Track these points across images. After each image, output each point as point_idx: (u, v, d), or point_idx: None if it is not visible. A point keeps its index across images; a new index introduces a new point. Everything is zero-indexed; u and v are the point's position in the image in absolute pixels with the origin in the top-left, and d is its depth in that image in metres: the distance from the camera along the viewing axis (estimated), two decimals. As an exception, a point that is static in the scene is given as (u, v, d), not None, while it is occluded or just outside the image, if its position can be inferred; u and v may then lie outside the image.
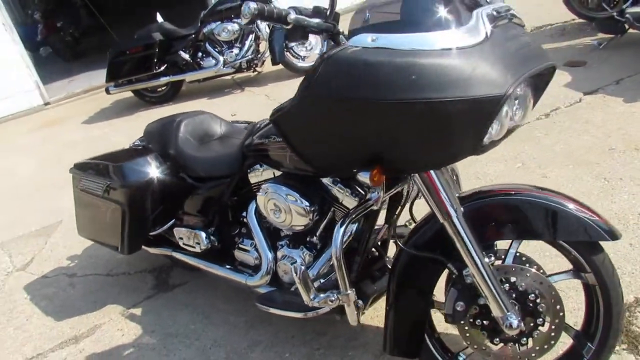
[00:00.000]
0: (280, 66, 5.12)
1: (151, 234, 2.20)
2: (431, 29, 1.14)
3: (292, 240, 1.78)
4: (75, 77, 7.22)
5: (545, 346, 1.41)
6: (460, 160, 1.40)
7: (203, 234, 1.98)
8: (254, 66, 5.09)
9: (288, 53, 5.02)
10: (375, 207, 1.49)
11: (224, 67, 4.99)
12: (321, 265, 1.67)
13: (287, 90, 4.86)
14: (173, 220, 2.15)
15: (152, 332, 2.18)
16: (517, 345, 1.42)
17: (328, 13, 1.29)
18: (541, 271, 1.48)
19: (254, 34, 4.92)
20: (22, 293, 2.70)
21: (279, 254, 1.79)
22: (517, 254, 1.48)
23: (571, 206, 1.34)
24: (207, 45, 5.00)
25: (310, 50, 5.05)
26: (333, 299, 1.44)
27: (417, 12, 1.17)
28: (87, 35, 9.13)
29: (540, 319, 1.39)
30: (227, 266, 1.99)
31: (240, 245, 1.96)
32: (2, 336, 2.40)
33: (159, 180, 2.04)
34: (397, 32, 1.15)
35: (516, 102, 1.33)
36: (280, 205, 1.64)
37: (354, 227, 1.60)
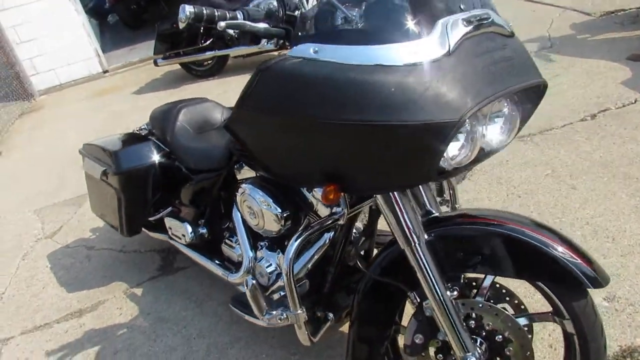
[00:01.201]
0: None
1: (152, 218, 2.22)
2: (382, 41, 1.01)
3: (272, 242, 1.72)
4: (135, 46, 7.42)
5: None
6: (419, 185, 1.27)
7: (189, 228, 1.97)
8: (298, 44, 4.99)
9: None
10: (341, 222, 1.40)
11: (267, 43, 4.92)
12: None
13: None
14: (170, 207, 2.16)
15: (147, 315, 2.23)
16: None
17: (280, 16, 1.18)
18: (522, 307, 1.35)
19: (299, 11, 4.80)
20: (45, 261, 2.84)
21: (259, 254, 1.74)
22: (497, 286, 1.35)
23: (551, 245, 1.18)
24: (252, 20, 4.95)
25: (356, 30, 4.86)
26: (282, 317, 1.38)
27: (369, 20, 1.04)
28: (153, 4, 9.32)
29: (507, 364, 1.27)
30: (215, 259, 1.97)
31: (227, 240, 1.93)
32: (20, 302, 2.54)
33: (154, 168, 2.04)
34: (344, 43, 1.03)
35: (498, 120, 1.19)
36: (254, 208, 1.58)
37: (330, 235, 1.52)
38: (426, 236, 1.24)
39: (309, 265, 1.53)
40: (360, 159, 1.09)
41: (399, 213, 1.23)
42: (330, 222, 1.37)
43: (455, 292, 1.26)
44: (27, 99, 6.11)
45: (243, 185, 1.62)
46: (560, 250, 1.17)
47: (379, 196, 1.25)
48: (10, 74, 5.95)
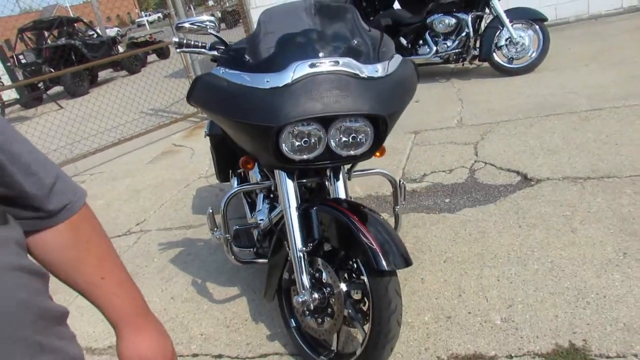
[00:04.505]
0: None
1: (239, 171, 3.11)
2: (253, 71, 1.64)
3: (265, 196, 2.42)
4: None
5: (331, 331, 1.77)
6: (282, 169, 1.80)
7: (235, 181, 2.80)
8: (461, 60, 5.29)
9: (498, 52, 5.03)
10: (272, 188, 2.05)
11: (435, 56, 5.38)
12: (261, 219, 2.28)
13: (480, 88, 4.95)
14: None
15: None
16: (315, 319, 1.81)
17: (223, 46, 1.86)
18: (361, 277, 1.74)
19: (468, 31, 5.11)
20: (194, 191, 4.07)
21: (265, 206, 2.46)
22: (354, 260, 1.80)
23: (365, 234, 1.61)
24: (427, 34, 5.44)
25: (520, 53, 4.93)
26: (217, 237, 2.10)
27: (250, 57, 1.67)
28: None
29: (330, 310, 1.76)
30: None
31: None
32: (167, 212, 3.78)
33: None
34: (235, 69, 1.69)
35: (349, 134, 1.67)
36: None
37: None
38: (296, 206, 1.80)
39: (272, 216, 2.20)
40: (246, 144, 1.75)
41: (281, 185, 1.82)
42: (258, 186, 2.05)
43: (305, 248, 1.77)
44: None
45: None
46: (368, 237, 1.62)
47: (275, 171, 1.86)
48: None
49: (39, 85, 11.34)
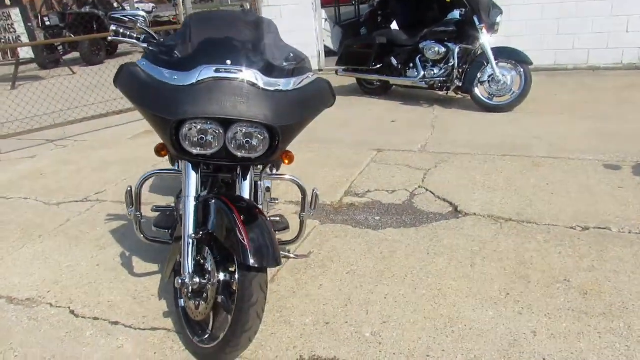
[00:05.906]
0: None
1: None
2: (166, 67, 1.81)
3: None
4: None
5: (203, 314, 1.93)
6: (183, 158, 1.96)
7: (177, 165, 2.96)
8: (445, 88, 5.42)
9: (480, 87, 5.15)
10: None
11: (421, 80, 5.51)
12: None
13: (456, 119, 5.07)
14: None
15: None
16: (193, 302, 1.96)
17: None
18: (233, 268, 1.88)
19: (454, 61, 5.23)
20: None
21: None
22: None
23: (242, 232, 1.76)
24: (417, 58, 5.58)
25: (501, 91, 5.04)
26: (130, 214, 2.25)
27: (167, 54, 1.84)
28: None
29: (205, 295, 1.91)
30: None
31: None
32: (124, 186, 3.94)
33: None
34: (153, 63, 1.85)
35: (248, 138, 1.83)
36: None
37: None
38: (195, 196, 1.96)
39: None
40: (158, 133, 1.91)
41: (184, 175, 1.98)
42: (175, 173, 2.21)
43: (194, 235, 1.92)
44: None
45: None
46: (242, 234, 1.76)
47: (182, 161, 2.02)
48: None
49: (58, 48, 11.66)
